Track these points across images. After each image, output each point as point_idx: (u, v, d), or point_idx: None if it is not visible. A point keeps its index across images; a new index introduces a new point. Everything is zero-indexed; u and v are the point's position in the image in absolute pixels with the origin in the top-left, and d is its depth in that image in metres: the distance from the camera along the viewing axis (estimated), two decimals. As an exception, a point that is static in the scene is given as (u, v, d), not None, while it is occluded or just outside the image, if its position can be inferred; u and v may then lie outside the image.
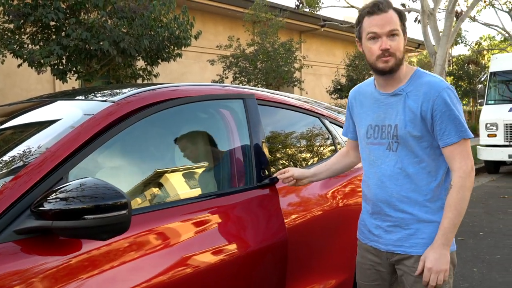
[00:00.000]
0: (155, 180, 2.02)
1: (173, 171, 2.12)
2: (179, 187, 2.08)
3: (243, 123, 2.30)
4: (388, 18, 1.77)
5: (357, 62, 16.08)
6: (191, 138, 2.25)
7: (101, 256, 1.56)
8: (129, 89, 2.04)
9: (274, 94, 2.65)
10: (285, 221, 2.18)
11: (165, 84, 2.15)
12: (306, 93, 15.72)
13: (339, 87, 16.38)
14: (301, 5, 14.38)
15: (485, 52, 24.82)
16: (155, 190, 2.00)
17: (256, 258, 2.04)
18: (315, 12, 14.85)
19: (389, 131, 1.85)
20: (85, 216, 1.39)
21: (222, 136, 2.34)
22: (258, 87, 11.06)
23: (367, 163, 1.96)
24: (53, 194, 1.43)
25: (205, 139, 2.33)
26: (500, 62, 11.26)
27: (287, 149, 2.65)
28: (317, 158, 2.74)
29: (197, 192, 2.16)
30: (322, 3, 14.42)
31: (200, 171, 2.21)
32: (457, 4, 12.39)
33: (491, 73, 11.24)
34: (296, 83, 12.68)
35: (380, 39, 1.78)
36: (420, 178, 1.83)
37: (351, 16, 20.87)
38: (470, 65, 22.97)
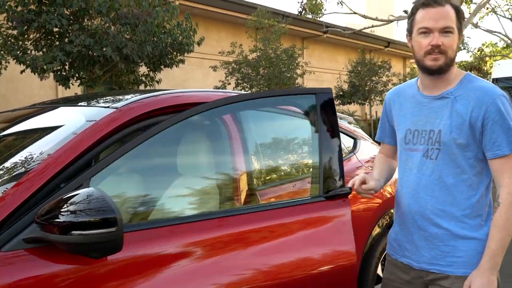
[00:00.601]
0: (193, 187, 1.96)
1: (213, 178, 2.04)
2: (230, 195, 2.00)
3: (312, 123, 2.08)
4: (444, 13, 1.62)
5: (359, 68, 16.11)
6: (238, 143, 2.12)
7: (120, 267, 1.48)
8: (132, 95, 2.04)
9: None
10: None
11: (169, 91, 2.15)
12: (309, 99, 15.70)
13: (341, 93, 16.39)
14: (303, 12, 14.41)
15: (487, 58, 24.81)
16: (190, 199, 1.94)
17: (322, 282, 1.89)
18: (318, 19, 14.88)
19: (431, 137, 1.70)
20: (72, 232, 1.29)
21: (281, 138, 2.21)
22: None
23: (402, 170, 1.83)
24: (51, 205, 1.37)
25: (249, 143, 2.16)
26: (502, 68, 11.26)
27: (289, 156, 2.63)
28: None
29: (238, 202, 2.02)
30: (325, 10, 14.43)
31: (253, 179, 2.08)
32: (459, 10, 12.39)
33: (493, 79, 11.22)
34: (298, 89, 12.68)
35: (432, 34, 1.63)
36: (459, 190, 1.68)
37: (354, 23, 20.93)
38: (473, 72, 22.98)
